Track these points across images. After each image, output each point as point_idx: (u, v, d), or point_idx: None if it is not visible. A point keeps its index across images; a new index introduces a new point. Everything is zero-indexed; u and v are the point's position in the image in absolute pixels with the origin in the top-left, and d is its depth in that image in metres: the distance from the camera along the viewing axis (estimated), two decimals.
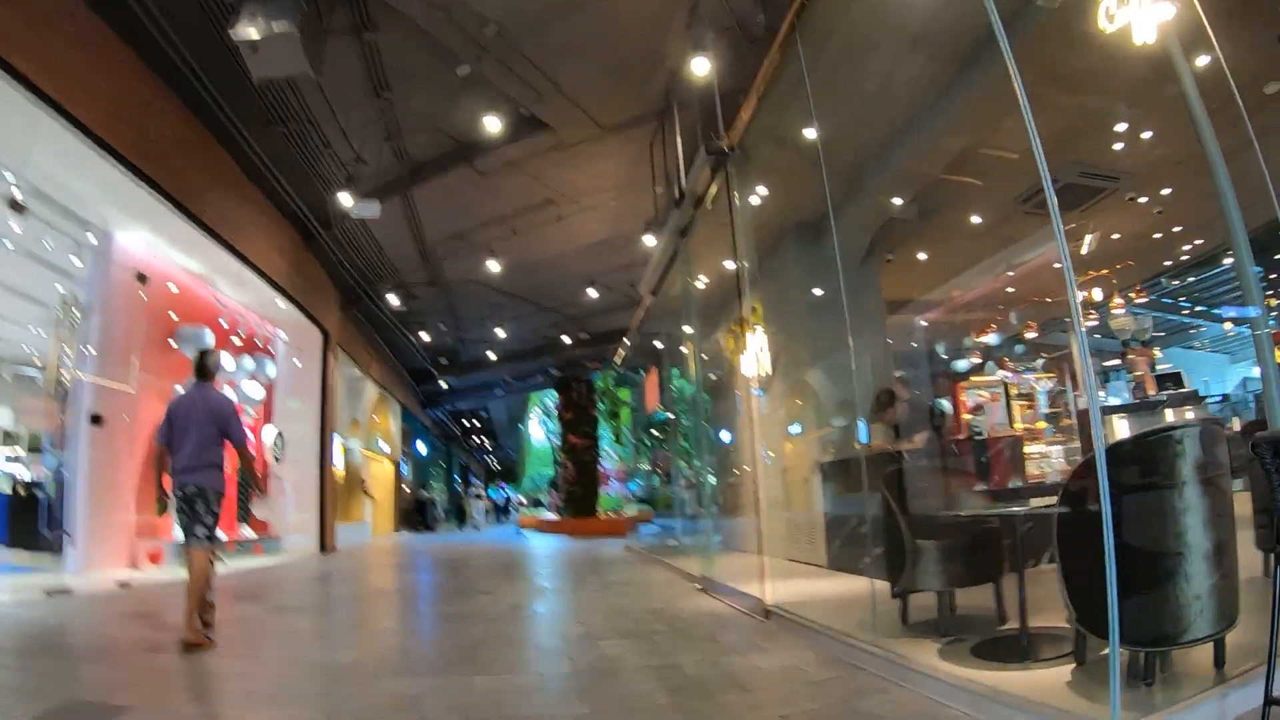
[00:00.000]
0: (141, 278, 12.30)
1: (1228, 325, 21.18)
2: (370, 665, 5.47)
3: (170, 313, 13.91)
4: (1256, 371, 11.98)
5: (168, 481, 6.58)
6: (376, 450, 27.89)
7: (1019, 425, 10.01)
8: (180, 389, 13.41)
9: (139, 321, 12.50)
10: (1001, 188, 11.02)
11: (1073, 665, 4.28)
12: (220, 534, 6.68)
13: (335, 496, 20.11)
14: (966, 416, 10.34)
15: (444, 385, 32.34)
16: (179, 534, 6.79)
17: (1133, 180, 11.29)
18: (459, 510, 34.51)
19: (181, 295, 14.25)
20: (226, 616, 7.47)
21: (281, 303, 16.61)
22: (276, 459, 17.40)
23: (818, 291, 11.09)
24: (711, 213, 9.93)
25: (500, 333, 24.84)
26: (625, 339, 18.97)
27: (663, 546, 16.54)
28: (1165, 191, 11.71)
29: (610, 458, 38.40)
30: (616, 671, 5.15)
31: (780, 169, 9.67)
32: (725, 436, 14.57)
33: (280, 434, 17.60)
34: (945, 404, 9.71)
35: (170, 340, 13.82)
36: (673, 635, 6.51)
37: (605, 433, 34.75)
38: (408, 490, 34.15)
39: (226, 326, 15.20)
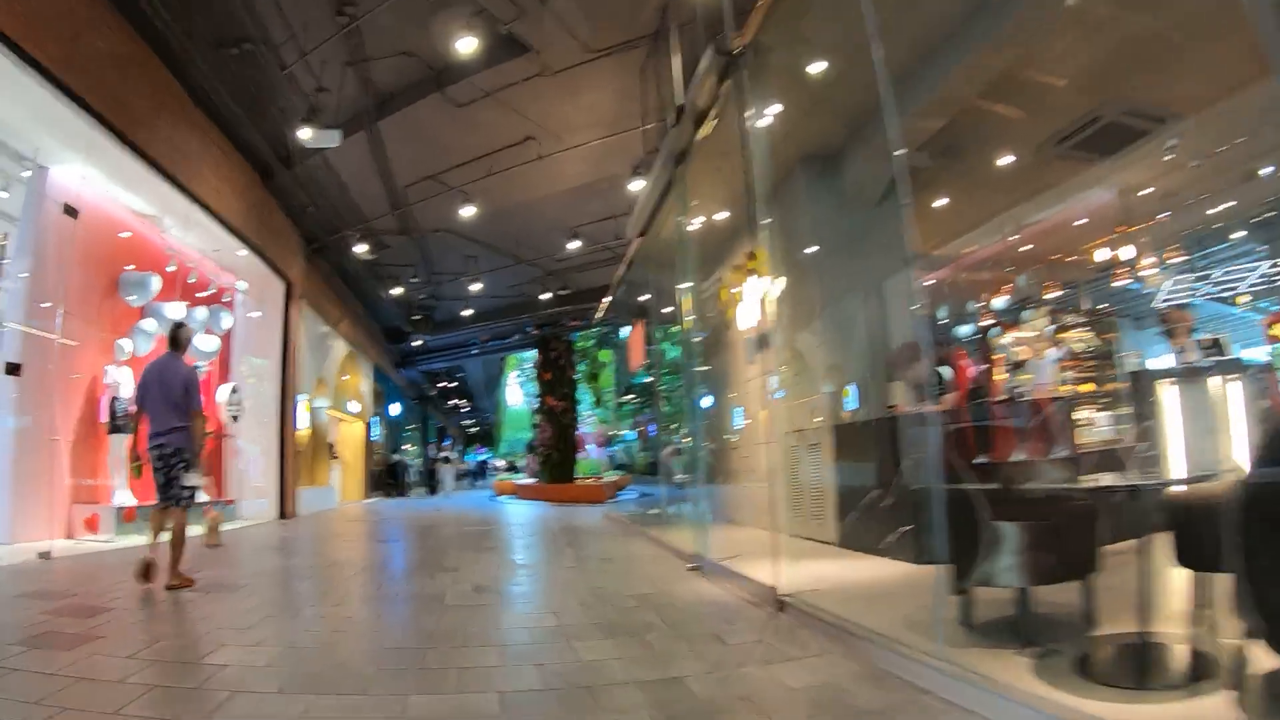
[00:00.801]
0: (70, 211, 10.91)
1: (1241, 300, 20.15)
2: (285, 671, 4.23)
3: (114, 258, 12.54)
4: (1246, 354, 10.87)
5: (143, 444, 7.19)
6: (345, 411, 26.49)
7: (1065, 387, 8.83)
8: (125, 342, 12.19)
9: (76, 265, 11.17)
10: (1037, 124, 9.79)
11: (1231, 692, 3.14)
12: (201, 494, 7.62)
13: (297, 459, 18.80)
14: (1002, 376, 9.18)
15: (418, 343, 30.97)
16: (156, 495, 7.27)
17: (1176, 127, 9.99)
18: (430, 475, 32.78)
19: (125, 238, 12.84)
20: (141, 595, 6.63)
21: (240, 249, 15.23)
22: (233, 418, 16.07)
23: (829, 233, 9.82)
24: (713, 137, 8.61)
25: (476, 287, 23.41)
26: (610, 289, 17.53)
27: (645, 515, 15.33)
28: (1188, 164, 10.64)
29: (589, 421, 37.24)
30: (599, 690, 3.91)
31: (795, 84, 8.33)
32: (718, 397, 13.35)
33: (237, 391, 16.24)
34: (945, 370, 8.53)
35: (116, 287, 12.51)
36: (668, 633, 5.26)
37: (584, 395, 33.53)
38: (379, 453, 32.78)
39: (175, 272, 13.80)
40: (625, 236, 15.34)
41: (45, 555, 8.99)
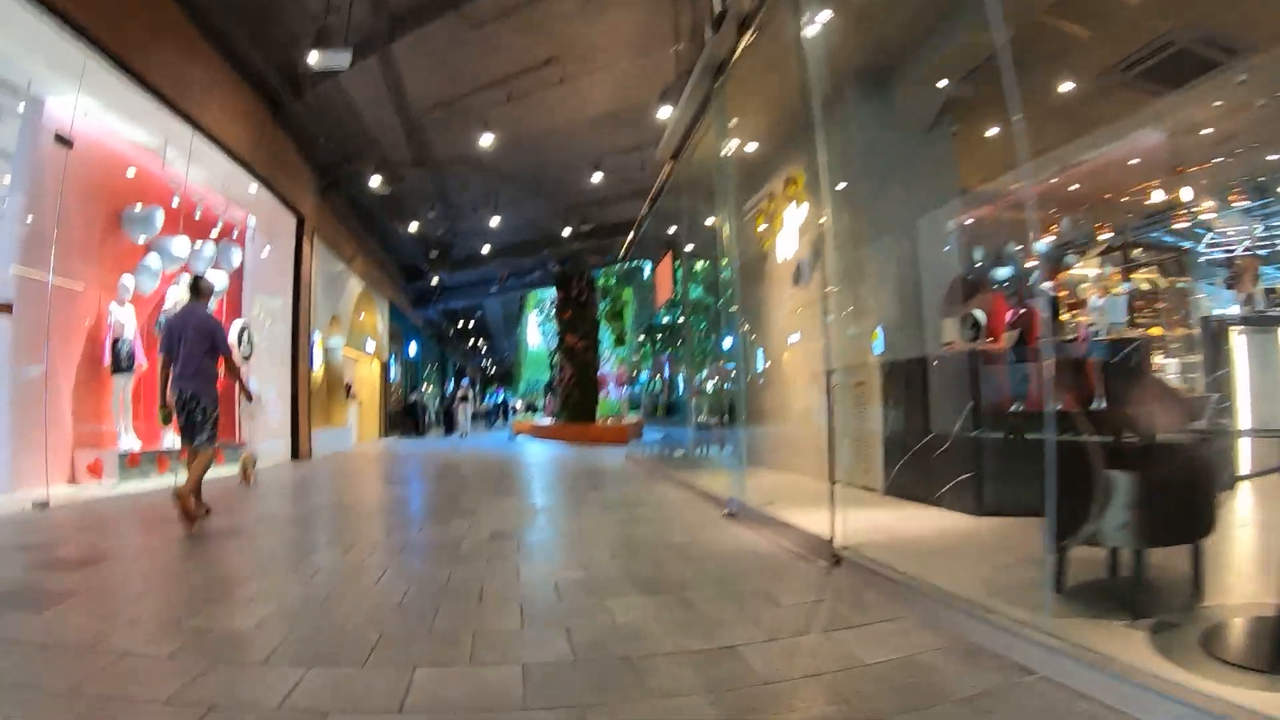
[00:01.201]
0: (64, 141, 10.22)
1: None
2: (275, 636, 3.69)
3: (116, 193, 11.84)
4: None
5: (171, 393, 7.54)
6: (362, 350, 25.97)
7: (1137, 330, 8.14)
8: (129, 279, 11.76)
9: (75, 200, 10.54)
10: (1104, 48, 8.97)
11: None
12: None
13: (312, 399, 18.32)
14: (1068, 316, 8.50)
15: (435, 282, 30.34)
16: (175, 439, 8.28)
17: (1248, 62, 9.06)
18: (447, 415, 31.96)
19: (127, 171, 12.15)
20: (135, 546, 6.38)
21: (249, 183, 14.62)
22: (244, 357, 15.52)
23: (876, 159, 9.08)
24: (755, 48, 7.87)
25: (495, 222, 22.70)
26: (636, 222, 16.64)
27: (670, 458, 14.77)
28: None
29: (610, 361, 36.69)
30: (641, 663, 3.32)
31: None
32: (752, 332, 12.71)
33: (247, 329, 15.66)
34: (980, 314, 7.87)
35: (118, 223, 11.88)
36: (711, 590, 4.67)
37: (605, 335, 32.87)
38: (397, 393, 32.32)
39: (180, 206, 13.14)
40: (650, 168, 14.61)
41: (42, 505, 8.48)
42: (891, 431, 8.05)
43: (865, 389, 8.72)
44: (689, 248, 13.72)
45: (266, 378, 16.08)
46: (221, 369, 7.85)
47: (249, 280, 16.38)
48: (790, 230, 10.44)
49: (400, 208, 22.13)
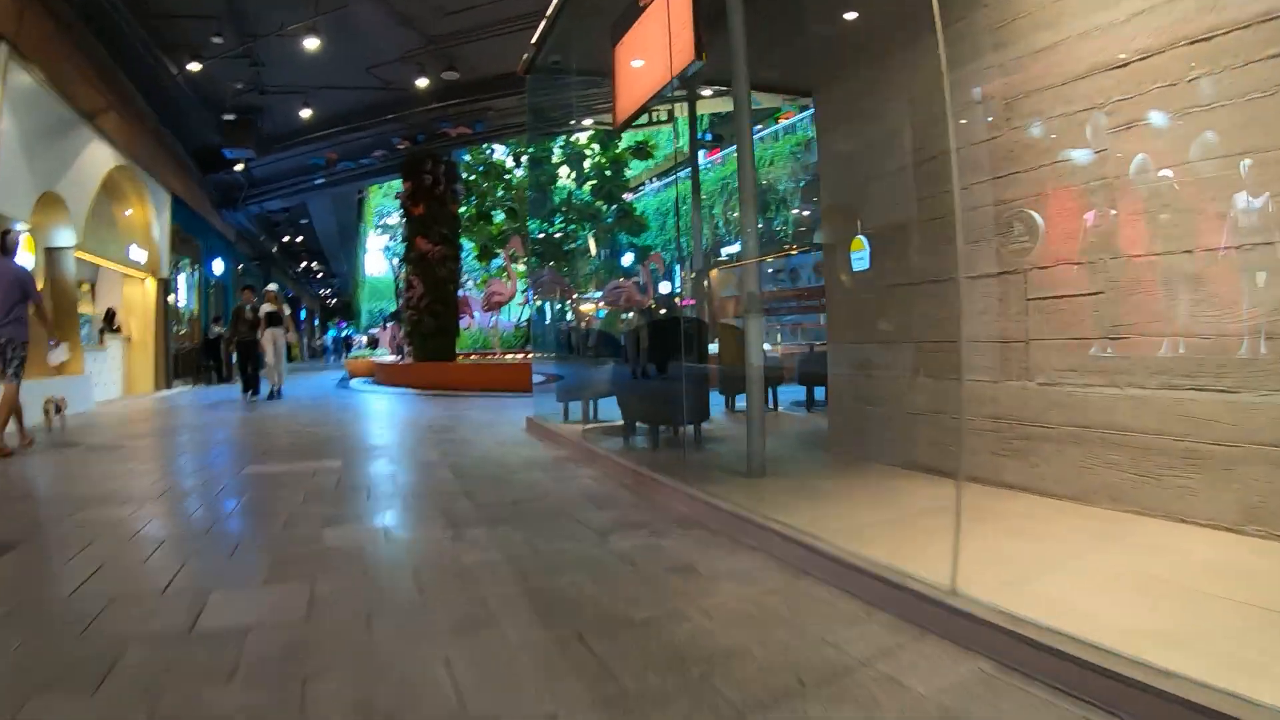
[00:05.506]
0: None
1: None
2: None
3: None
4: None
5: None
6: (125, 260, 17.84)
7: None
8: None
9: None
10: None
11: None
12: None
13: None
14: None
15: (241, 167, 22.23)
16: None
17: None
18: (242, 353, 17.04)
19: None
20: None
21: None
22: None
23: None
24: None
25: (312, 46, 14.81)
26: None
27: (646, 450, 7.94)
28: None
29: (471, 281, 29.52)
30: None
31: None
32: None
33: None
34: None
35: None
36: None
37: (467, 244, 25.53)
38: (185, 326, 23.77)
39: None
40: None
41: None
42: None
43: None
44: None
45: None
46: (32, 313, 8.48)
47: None
48: None
49: (169, 32, 14.43)
